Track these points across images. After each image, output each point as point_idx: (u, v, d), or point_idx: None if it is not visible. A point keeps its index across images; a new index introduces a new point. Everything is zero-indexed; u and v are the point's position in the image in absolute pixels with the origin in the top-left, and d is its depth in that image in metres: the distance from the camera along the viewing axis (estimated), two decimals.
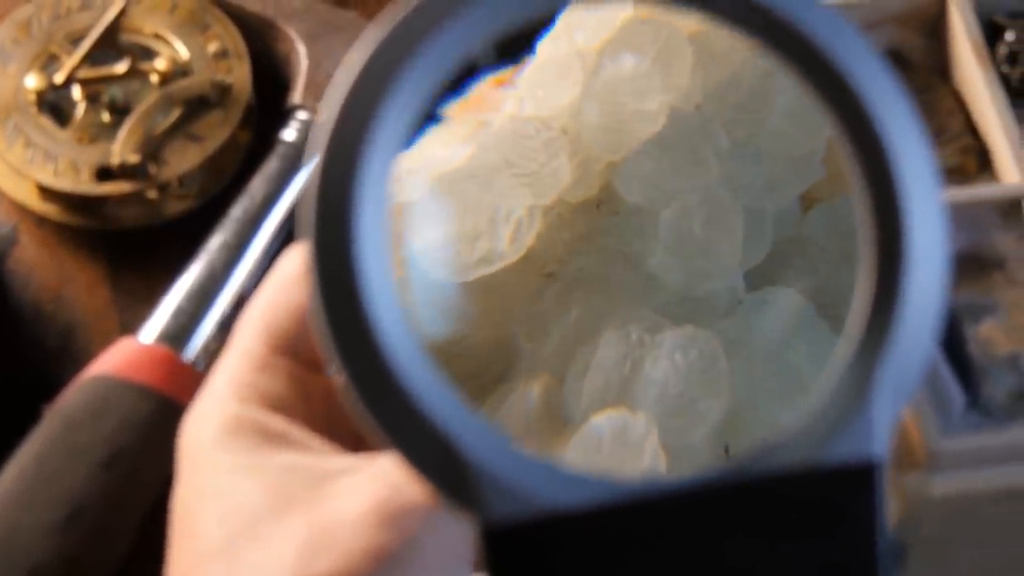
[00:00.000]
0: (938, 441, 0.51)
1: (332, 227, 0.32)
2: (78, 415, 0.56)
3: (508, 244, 0.38)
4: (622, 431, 0.37)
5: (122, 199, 0.63)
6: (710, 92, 0.39)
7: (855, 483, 0.33)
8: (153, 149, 0.63)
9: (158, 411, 0.56)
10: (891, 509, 0.52)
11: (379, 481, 0.35)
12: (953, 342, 0.54)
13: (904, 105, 0.34)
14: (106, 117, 0.65)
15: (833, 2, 0.62)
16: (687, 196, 0.38)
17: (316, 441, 0.37)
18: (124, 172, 0.63)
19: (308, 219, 0.32)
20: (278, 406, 0.37)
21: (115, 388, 0.56)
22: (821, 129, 0.39)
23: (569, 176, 0.39)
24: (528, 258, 0.38)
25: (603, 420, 0.37)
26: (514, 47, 0.39)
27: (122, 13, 0.65)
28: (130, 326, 0.61)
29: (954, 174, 0.59)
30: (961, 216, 0.57)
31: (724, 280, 0.38)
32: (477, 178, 0.38)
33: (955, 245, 0.57)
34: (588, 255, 0.39)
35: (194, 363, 0.59)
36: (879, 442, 0.32)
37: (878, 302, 0.33)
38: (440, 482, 0.32)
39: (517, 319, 0.39)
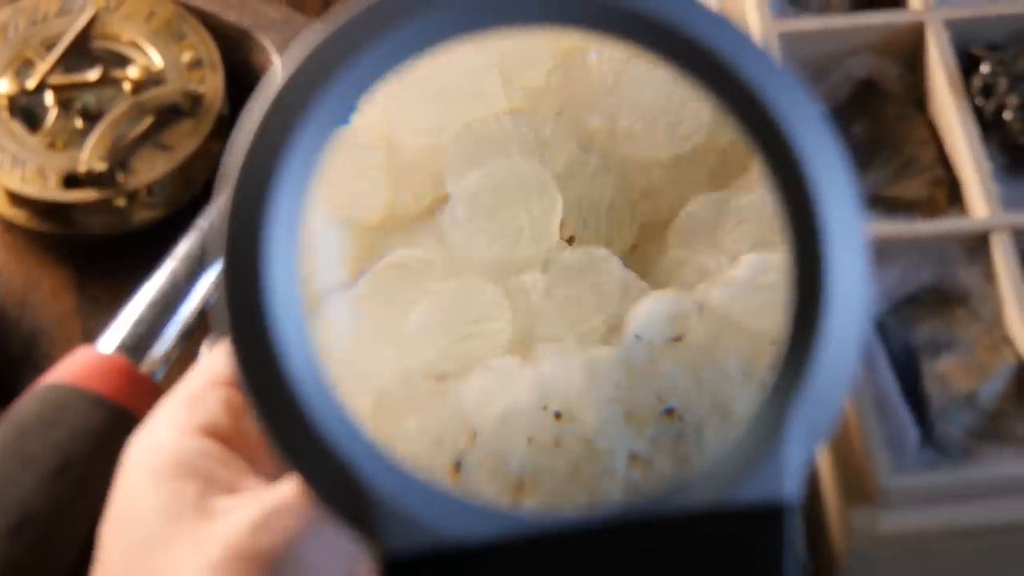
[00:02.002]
0: (889, 477, 0.50)
1: (242, 259, 0.32)
2: (30, 423, 0.55)
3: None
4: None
5: (90, 206, 0.63)
6: (570, 98, 0.40)
7: (764, 524, 0.32)
8: (121, 157, 0.63)
9: (111, 421, 0.56)
10: (837, 546, 0.52)
11: (256, 500, 0.36)
12: (910, 377, 0.53)
13: (831, 144, 0.33)
14: (79, 124, 0.65)
15: (808, 28, 0.61)
16: (489, 169, 0.39)
17: (229, 472, 0.38)
18: (91, 179, 0.62)
19: (220, 249, 0.32)
20: (212, 433, 0.38)
21: (69, 396, 0.56)
22: (681, 132, 0.39)
23: (385, 189, 0.39)
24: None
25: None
26: None
27: (93, 20, 0.65)
28: (93, 334, 0.61)
29: (923, 206, 0.58)
30: (926, 250, 0.56)
31: (521, 246, 0.39)
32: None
33: (919, 279, 0.56)
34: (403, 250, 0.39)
35: (152, 373, 0.58)
36: (790, 484, 0.32)
37: (795, 343, 0.33)
38: (342, 511, 0.32)
39: None
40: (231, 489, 0.37)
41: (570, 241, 0.40)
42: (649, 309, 0.37)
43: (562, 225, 0.39)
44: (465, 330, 0.37)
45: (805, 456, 0.32)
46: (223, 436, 0.38)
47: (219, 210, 0.32)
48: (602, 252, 0.39)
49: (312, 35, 0.32)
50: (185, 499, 0.36)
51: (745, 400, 0.36)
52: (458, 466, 0.36)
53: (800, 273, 0.33)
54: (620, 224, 0.40)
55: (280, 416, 0.32)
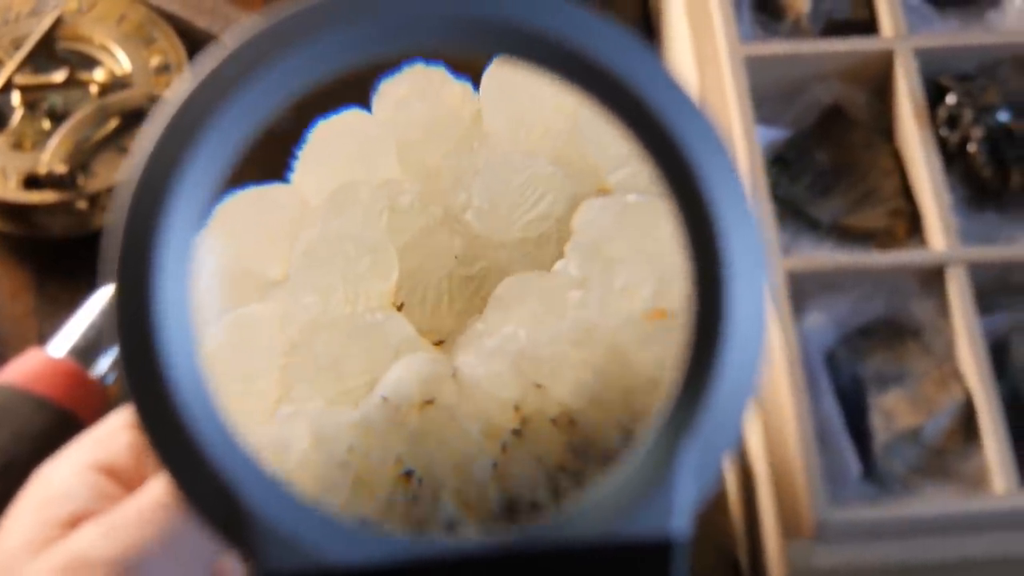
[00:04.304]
0: (827, 511, 0.50)
1: (133, 284, 0.32)
2: None
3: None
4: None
5: (50, 208, 0.63)
6: (456, 177, 0.43)
7: (652, 559, 0.32)
8: (83, 160, 0.63)
9: (56, 424, 0.56)
10: None
11: (108, 516, 0.37)
12: (856, 410, 0.52)
13: (737, 182, 0.33)
14: (46, 125, 0.64)
15: (777, 52, 0.61)
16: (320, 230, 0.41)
17: (110, 506, 0.39)
18: (51, 181, 0.62)
19: (112, 273, 0.32)
20: (107, 471, 0.40)
21: (14, 398, 0.56)
22: (526, 217, 0.41)
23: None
24: None
25: None
26: None
27: (60, 22, 0.65)
28: (49, 336, 0.60)
29: (882, 237, 0.57)
30: (879, 281, 0.55)
31: (332, 306, 0.40)
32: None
33: (871, 310, 0.55)
34: None
35: (103, 378, 0.58)
36: (679, 519, 0.32)
37: (690, 378, 0.32)
38: (221, 530, 0.32)
39: None
40: None
41: (400, 308, 0.41)
42: (403, 371, 0.38)
43: (397, 290, 0.41)
44: (239, 372, 0.38)
45: (696, 492, 0.32)
46: (119, 475, 0.40)
47: (112, 230, 0.32)
48: (391, 313, 0.40)
49: (221, 46, 0.32)
50: (51, 527, 0.38)
51: (484, 464, 0.37)
52: None
53: (699, 307, 0.32)
54: (449, 297, 0.41)
55: (165, 435, 0.32)
